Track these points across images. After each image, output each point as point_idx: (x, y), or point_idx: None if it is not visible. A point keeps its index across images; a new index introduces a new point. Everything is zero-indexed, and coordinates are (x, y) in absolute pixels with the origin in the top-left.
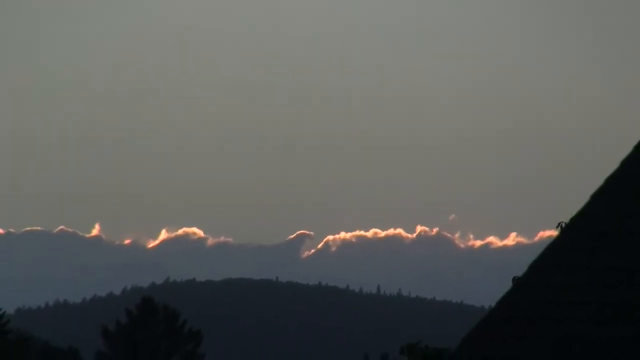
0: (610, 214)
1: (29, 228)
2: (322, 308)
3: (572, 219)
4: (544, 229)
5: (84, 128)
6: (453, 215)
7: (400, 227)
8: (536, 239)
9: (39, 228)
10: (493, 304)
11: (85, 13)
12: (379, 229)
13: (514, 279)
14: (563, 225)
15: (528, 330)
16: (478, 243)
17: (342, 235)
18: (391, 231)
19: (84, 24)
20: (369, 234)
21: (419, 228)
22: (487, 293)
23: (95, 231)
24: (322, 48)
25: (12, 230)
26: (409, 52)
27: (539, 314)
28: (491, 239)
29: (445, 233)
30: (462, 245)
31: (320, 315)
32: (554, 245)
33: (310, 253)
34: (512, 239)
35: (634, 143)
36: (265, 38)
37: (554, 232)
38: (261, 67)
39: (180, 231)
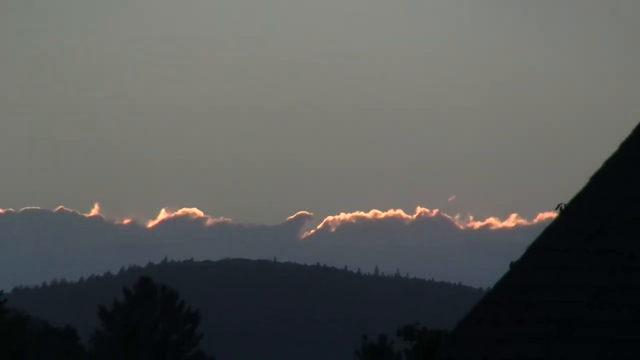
0: (610, 197)
1: (28, 207)
2: (320, 289)
3: (572, 201)
4: (543, 211)
5: (86, 107)
6: (453, 196)
7: (400, 208)
8: (536, 220)
9: (38, 207)
10: (491, 286)
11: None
12: (379, 209)
13: (512, 264)
14: (562, 207)
15: (526, 314)
16: (478, 224)
17: (342, 216)
18: (391, 212)
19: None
20: (369, 214)
21: (418, 209)
22: (486, 275)
23: (94, 211)
24: (320, 25)
25: (11, 209)
26: (409, 33)
27: (537, 296)
28: (491, 220)
29: (444, 214)
30: (461, 227)
31: (318, 296)
32: (552, 228)
33: (309, 234)
34: (512, 221)
35: (634, 126)
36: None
37: (553, 214)
38: (262, 47)
39: (179, 211)
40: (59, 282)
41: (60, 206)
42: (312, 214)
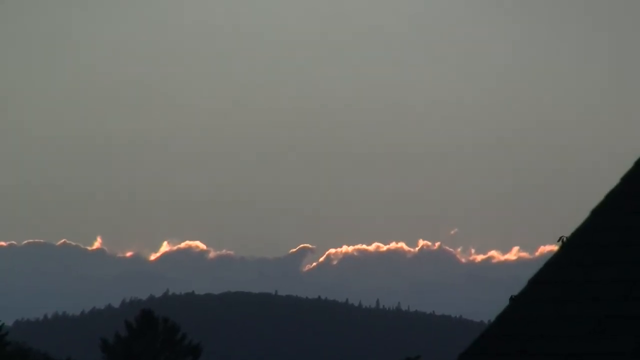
0: (611, 228)
1: (30, 240)
2: (321, 322)
3: (573, 234)
4: (545, 244)
5: (89, 141)
6: (455, 229)
7: (403, 241)
8: (537, 253)
9: (41, 240)
10: (492, 319)
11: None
12: (381, 242)
13: (512, 297)
14: (564, 239)
15: (526, 347)
16: (479, 257)
17: (344, 248)
18: (393, 245)
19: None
20: (371, 247)
21: (420, 242)
22: (487, 308)
23: (97, 244)
24: (326, 56)
25: (14, 242)
26: (413, 63)
27: (537, 330)
28: (493, 253)
29: (446, 247)
30: (463, 260)
31: (319, 329)
32: (553, 260)
33: (311, 266)
34: (514, 253)
35: (635, 159)
36: (271, 45)
37: (555, 247)
38: (263, 78)
39: (182, 244)
40: (60, 315)
41: (63, 239)
42: (314, 246)
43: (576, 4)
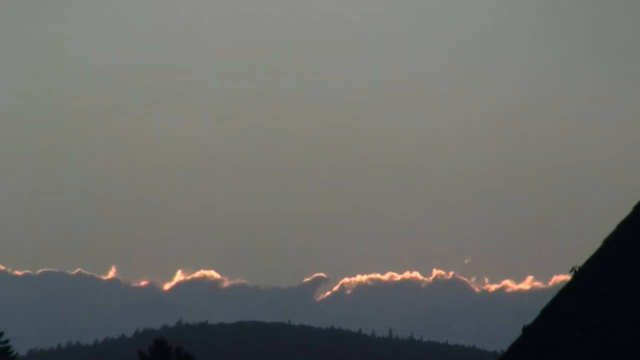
0: (623, 258)
1: (45, 269)
2: (333, 352)
3: (585, 264)
4: (558, 273)
5: (103, 172)
6: (469, 259)
7: (417, 271)
8: (551, 283)
9: (56, 270)
10: (505, 349)
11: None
12: (396, 272)
13: (524, 328)
14: (577, 269)
15: None
16: (493, 287)
17: (358, 278)
18: (407, 274)
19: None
20: (385, 277)
21: (435, 272)
22: (500, 337)
23: (112, 273)
24: (342, 82)
25: (29, 271)
26: (426, 86)
27: (550, 358)
28: (506, 282)
29: (460, 277)
30: (477, 289)
31: (332, 359)
32: (566, 290)
33: (325, 296)
34: (528, 283)
35: None
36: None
37: (568, 277)
38: (276, 101)
39: (197, 273)
40: (74, 345)
41: (79, 269)
42: (328, 276)
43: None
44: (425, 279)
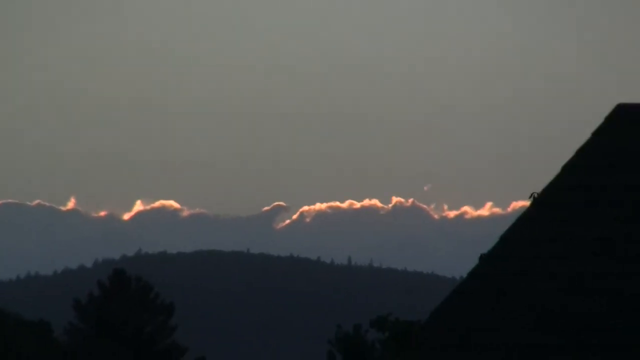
0: (580, 186)
1: (4, 201)
2: (293, 280)
3: (544, 190)
4: (517, 200)
5: (63, 102)
6: (429, 185)
7: (376, 198)
8: (510, 209)
9: (16, 201)
10: (465, 275)
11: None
12: (355, 199)
13: (481, 256)
14: (535, 195)
15: (499, 302)
16: (452, 214)
17: (318, 206)
18: (366, 202)
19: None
20: (345, 204)
21: (394, 199)
22: (460, 264)
23: (71, 204)
24: (303, 22)
25: None
26: (381, 23)
27: (510, 285)
28: (466, 208)
29: (420, 204)
30: (436, 216)
31: (291, 287)
32: (524, 217)
33: (284, 224)
34: (487, 209)
35: (606, 115)
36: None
37: (526, 203)
38: (241, 41)
39: (156, 203)
40: (33, 275)
41: (37, 200)
42: (288, 204)
43: None
44: (385, 207)
